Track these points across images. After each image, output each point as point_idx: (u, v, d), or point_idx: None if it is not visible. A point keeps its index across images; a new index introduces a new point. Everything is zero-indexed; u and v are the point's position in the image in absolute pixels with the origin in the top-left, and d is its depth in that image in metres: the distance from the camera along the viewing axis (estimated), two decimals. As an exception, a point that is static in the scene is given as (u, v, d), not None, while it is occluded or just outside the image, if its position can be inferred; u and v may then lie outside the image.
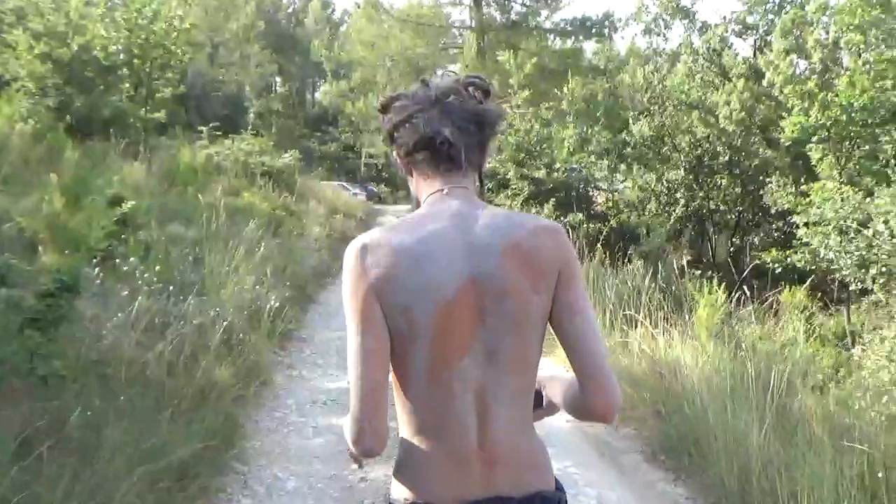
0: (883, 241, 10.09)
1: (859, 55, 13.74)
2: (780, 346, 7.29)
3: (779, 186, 16.86)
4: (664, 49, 24.01)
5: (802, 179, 16.56)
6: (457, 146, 1.75)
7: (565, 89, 20.53)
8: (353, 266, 1.69)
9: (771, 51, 19.01)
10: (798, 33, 16.73)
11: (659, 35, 22.17)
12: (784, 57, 16.01)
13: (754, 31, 19.58)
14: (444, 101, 1.76)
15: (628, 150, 19.36)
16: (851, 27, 12.82)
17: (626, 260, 11.45)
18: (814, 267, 13.22)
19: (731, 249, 19.44)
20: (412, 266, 1.65)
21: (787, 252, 13.89)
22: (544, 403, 1.95)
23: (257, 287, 8.72)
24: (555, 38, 33.63)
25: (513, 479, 1.68)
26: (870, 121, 12.90)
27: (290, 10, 58.15)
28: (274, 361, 7.76)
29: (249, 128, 28.92)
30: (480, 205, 1.79)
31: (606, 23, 31.96)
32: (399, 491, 1.73)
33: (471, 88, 1.82)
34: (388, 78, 34.19)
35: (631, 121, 20.29)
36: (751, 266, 15.85)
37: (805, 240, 13.12)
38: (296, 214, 18.07)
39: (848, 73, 13.12)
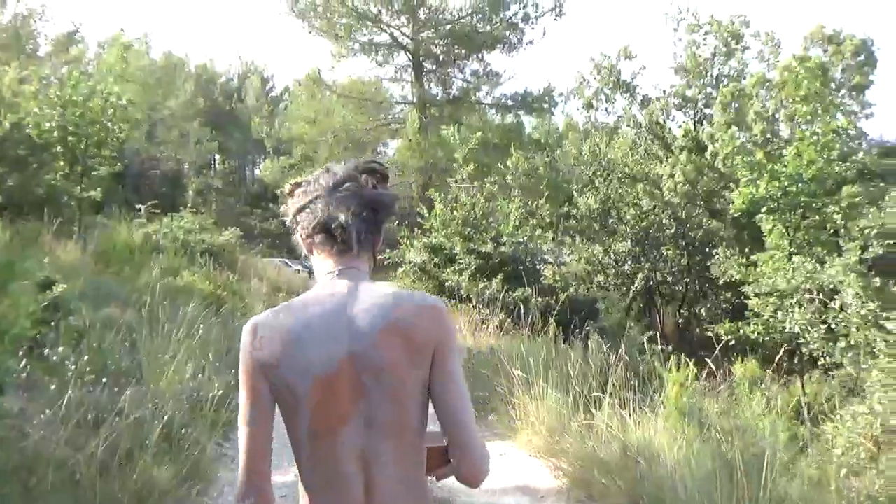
0: (852, 313, 9.97)
1: (798, 126, 13.85)
2: (747, 423, 7.00)
3: (726, 257, 16.83)
4: (604, 123, 24.27)
5: (748, 250, 16.58)
6: (349, 231, 1.91)
7: (508, 163, 20.49)
8: (245, 345, 1.91)
9: (711, 124, 19.30)
10: (736, 106, 16.91)
11: (598, 110, 22.31)
12: (725, 129, 16.14)
13: (693, 105, 19.81)
14: (340, 189, 1.94)
15: (573, 222, 19.30)
16: (798, 99, 12.92)
17: (582, 336, 11.13)
18: (766, 338, 13.07)
19: (679, 321, 19.34)
20: (294, 347, 1.85)
21: (740, 324, 13.74)
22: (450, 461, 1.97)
23: (199, 374, 8.20)
24: (496, 113, 33.80)
25: None
26: (818, 191, 12.91)
27: (229, 87, 57.96)
28: (218, 455, 7.23)
29: (189, 205, 28.36)
30: (368, 285, 1.95)
31: (547, 98, 32.34)
32: None
33: (366, 176, 1.99)
34: (330, 153, 34.01)
35: (575, 194, 20.25)
36: (697, 338, 15.72)
37: (757, 310, 12.96)
38: (238, 293, 17.47)
39: (796, 144, 13.17)
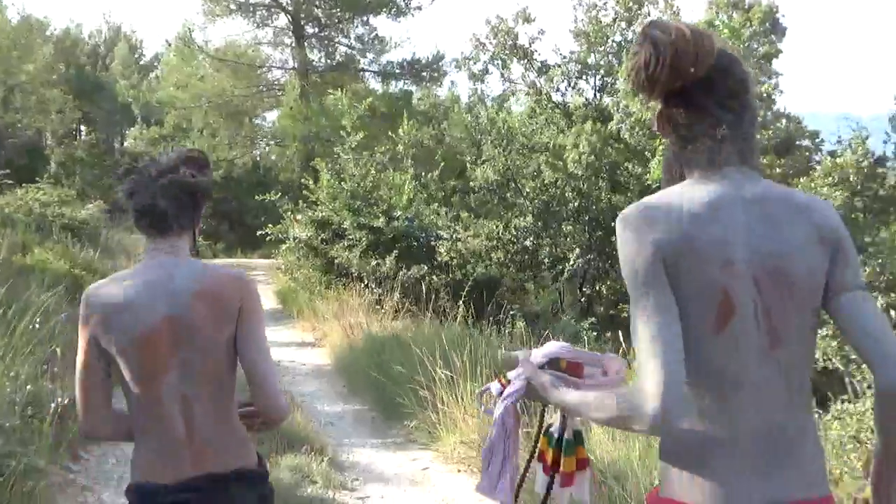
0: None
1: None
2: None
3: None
4: (490, 94, 23.20)
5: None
6: (168, 216, 2.32)
7: (400, 131, 19.15)
8: (81, 310, 2.30)
9: (612, 93, 18.39)
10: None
11: (490, 76, 21.11)
12: (632, 97, 15.18)
13: (595, 72, 18.83)
14: (161, 179, 2.32)
15: (470, 196, 18.17)
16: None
17: (501, 320, 9.86)
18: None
19: (582, 299, 18.42)
20: (120, 309, 2.25)
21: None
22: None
23: (39, 378, 6.62)
24: (382, 81, 32.22)
25: (219, 460, 2.29)
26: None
27: (94, 52, 54.38)
28: (62, 483, 5.68)
29: (47, 176, 25.98)
30: (184, 260, 2.36)
31: (436, 66, 30.97)
32: (133, 475, 2.33)
33: (186, 166, 2.38)
34: (205, 121, 31.82)
35: (469, 166, 19.10)
36: (599, 317, 14.82)
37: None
38: (100, 272, 15.64)
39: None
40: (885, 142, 14.98)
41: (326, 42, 31.97)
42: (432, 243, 17.22)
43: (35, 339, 6.91)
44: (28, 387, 6.14)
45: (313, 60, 31.70)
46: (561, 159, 16.76)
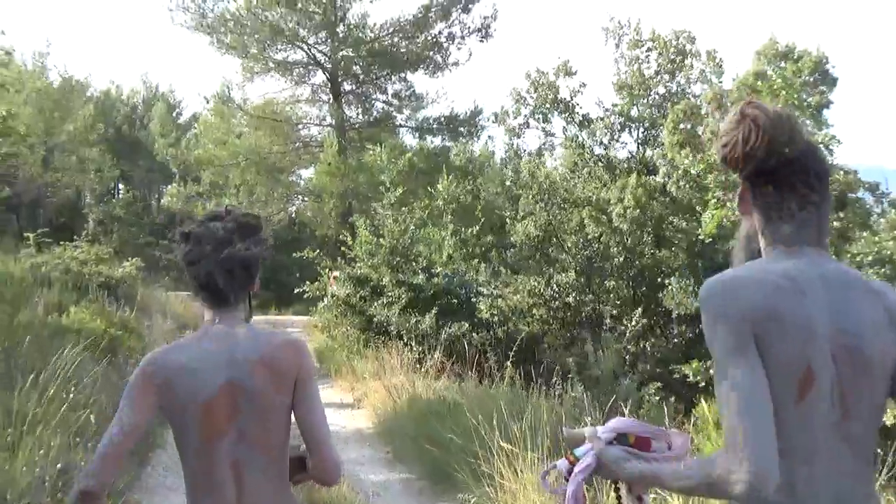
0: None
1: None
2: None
3: (680, 288, 15.41)
4: (525, 149, 22.93)
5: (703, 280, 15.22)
6: (225, 292, 2.42)
7: (439, 187, 18.91)
8: (139, 371, 2.37)
9: (654, 146, 18.04)
10: (689, 125, 15.59)
11: (529, 129, 20.80)
12: (677, 150, 14.81)
13: (640, 125, 18.47)
14: (218, 253, 2.40)
15: (510, 252, 17.81)
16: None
17: (554, 381, 9.36)
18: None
19: (626, 358, 17.84)
20: (185, 375, 2.32)
21: (706, 364, 12.26)
22: (308, 468, 2.45)
23: (74, 447, 6.27)
24: (419, 137, 32.09)
25: None
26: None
27: (133, 112, 55.03)
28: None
29: (85, 234, 25.98)
30: (242, 328, 2.45)
31: (474, 121, 30.80)
32: None
33: (241, 233, 2.45)
34: (242, 178, 31.79)
35: (508, 221, 18.77)
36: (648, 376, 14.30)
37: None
38: (136, 331, 15.38)
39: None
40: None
41: (363, 98, 32.01)
42: (472, 300, 16.83)
43: (66, 405, 6.57)
44: (58, 465, 5.78)
45: (350, 117, 31.73)
46: (605, 213, 16.35)
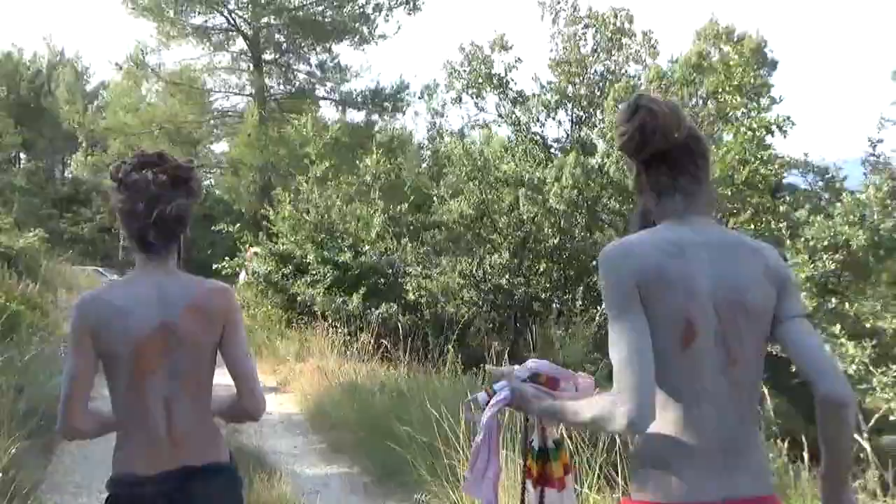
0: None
1: (723, 122, 12.11)
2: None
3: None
4: (447, 129, 22.34)
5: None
6: (157, 244, 2.52)
7: (368, 161, 18.12)
8: (75, 316, 2.47)
9: (592, 125, 17.63)
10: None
11: (452, 110, 20.14)
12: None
13: (576, 103, 17.91)
14: (151, 209, 2.45)
15: (441, 231, 17.20)
16: (729, 88, 11.09)
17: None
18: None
19: (555, 342, 17.39)
20: (117, 316, 2.44)
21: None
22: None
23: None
24: (341, 110, 31.09)
25: (194, 454, 2.50)
26: (752, 196, 11.12)
27: (36, 78, 52.38)
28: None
29: (-16, 204, 24.50)
30: (173, 274, 2.56)
31: (400, 95, 29.90)
32: (115, 468, 2.51)
33: (174, 187, 2.51)
34: (155, 148, 30.38)
35: (436, 200, 18.13)
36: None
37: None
38: (40, 307, 14.27)
39: (726, 142, 11.38)
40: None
41: (285, 69, 30.70)
42: (400, 281, 16.18)
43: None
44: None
45: (271, 87, 30.47)
46: (541, 193, 15.78)
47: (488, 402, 2.43)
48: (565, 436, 3.22)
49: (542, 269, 16.80)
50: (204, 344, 2.49)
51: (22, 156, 50.17)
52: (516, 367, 2.47)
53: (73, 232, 40.31)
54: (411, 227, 17.40)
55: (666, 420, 1.98)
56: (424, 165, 26.11)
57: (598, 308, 16.25)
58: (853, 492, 2.20)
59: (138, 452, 2.47)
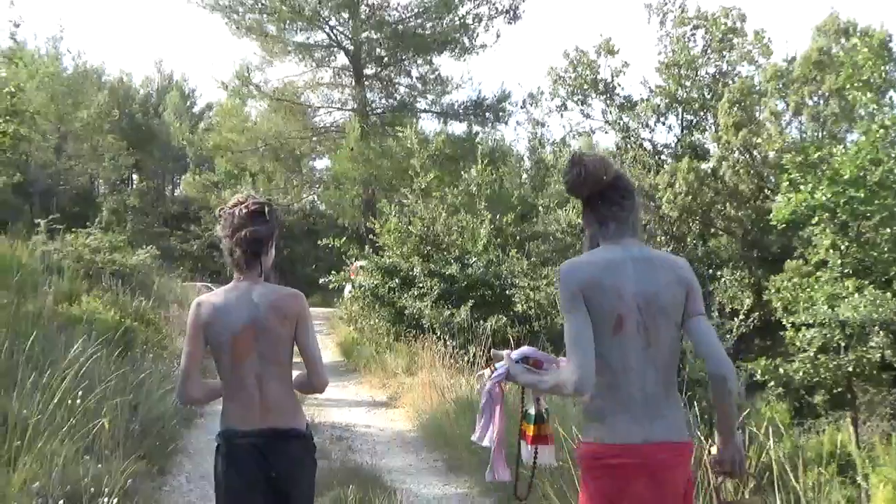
0: None
1: (847, 120, 11.41)
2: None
3: (734, 280, 14.32)
4: (549, 138, 21.91)
5: (760, 272, 14.16)
6: (244, 260, 3.31)
7: (473, 172, 17.86)
8: (192, 314, 3.30)
9: (702, 130, 17.01)
10: (745, 105, 14.50)
11: (553, 118, 19.71)
12: (734, 133, 13.75)
13: (689, 107, 17.29)
14: (238, 234, 3.28)
15: (548, 242, 16.81)
16: (857, 84, 10.39)
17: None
18: (814, 379, 10.60)
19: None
20: (220, 314, 3.25)
21: (778, 361, 11.21)
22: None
23: (84, 456, 5.28)
24: (445, 122, 30.90)
25: (279, 419, 3.25)
26: (888, 198, 10.37)
27: (147, 101, 53.93)
28: None
29: (98, 222, 25.13)
30: (258, 283, 3.33)
31: (503, 106, 29.53)
32: (222, 424, 3.30)
33: (252, 219, 3.31)
34: (261, 165, 30.72)
35: (542, 209, 17.75)
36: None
37: (799, 344, 10.46)
38: (153, 323, 14.37)
39: (857, 141, 10.70)
40: None
41: (386, 82, 30.64)
42: (508, 292, 15.81)
43: (79, 408, 5.56)
44: (66, 485, 4.77)
45: (372, 101, 30.46)
46: (652, 200, 15.25)
47: (492, 375, 3.23)
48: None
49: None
50: (282, 335, 3.28)
51: (134, 177, 51.56)
52: (514, 352, 3.17)
53: (183, 249, 41.17)
54: (517, 238, 17.06)
55: (602, 386, 2.72)
56: (525, 176, 25.71)
57: (712, 317, 15.62)
58: (740, 439, 2.91)
59: (238, 414, 3.28)
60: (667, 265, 2.83)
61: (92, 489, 4.78)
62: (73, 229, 19.19)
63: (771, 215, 11.79)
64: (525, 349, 3.19)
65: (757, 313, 12.54)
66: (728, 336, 9.13)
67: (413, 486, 7.15)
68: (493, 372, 3.18)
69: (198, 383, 3.32)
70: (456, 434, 8.15)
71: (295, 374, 3.40)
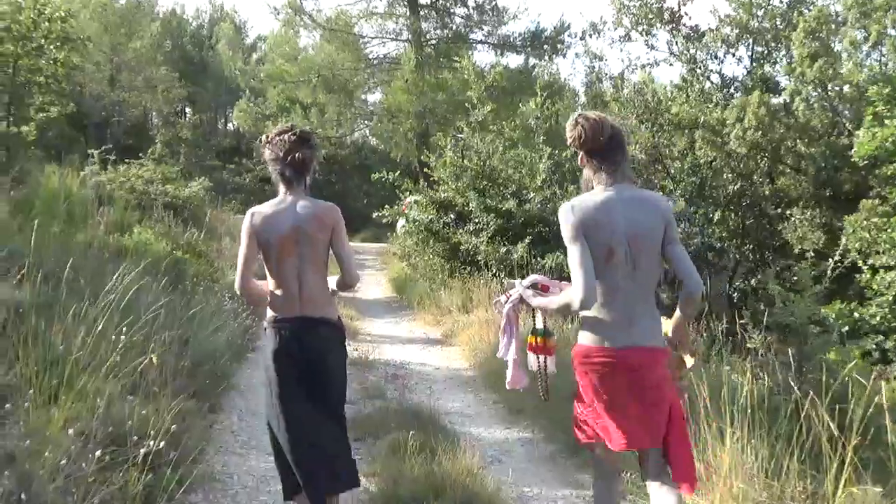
0: None
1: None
2: None
3: (804, 220, 13.67)
4: (606, 73, 21.12)
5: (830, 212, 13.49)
6: (291, 179, 3.98)
7: (531, 104, 17.23)
8: (246, 221, 3.94)
9: (773, 62, 16.18)
10: (822, 35, 13.67)
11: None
12: (810, 63, 12.98)
13: (760, 38, 16.42)
14: (286, 156, 3.95)
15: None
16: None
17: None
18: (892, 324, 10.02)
19: (733, 294, 16.17)
20: (270, 221, 3.90)
21: (853, 305, 10.62)
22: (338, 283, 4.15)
23: (130, 395, 5.01)
24: (501, 54, 30.04)
25: (315, 310, 3.96)
26: None
27: (199, 33, 53.62)
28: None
29: (152, 154, 24.97)
30: (302, 197, 3.98)
31: (561, 36, 28.62)
32: (269, 312, 4.01)
33: (299, 146, 3.99)
34: (313, 97, 30.19)
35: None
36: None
37: (878, 288, 9.87)
38: (205, 256, 14.16)
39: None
40: None
41: (442, 12, 29.62)
42: (566, 228, 15.30)
43: (127, 342, 5.26)
44: (110, 411, 4.49)
45: (427, 32, 29.58)
46: (720, 136, 14.54)
47: (507, 299, 3.95)
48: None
49: (717, 218, 15.62)
50: (320, 240, 3.94)
51: (187, 110, 51.54)
52: (524, 280, 3.94)
53: (235, 182, 41.14)
54: (576, 174, 16.47)
55: (598, 303, 3.42)
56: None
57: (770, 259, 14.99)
58: (687, 331, 3.69)
59: (281, 304, 3.95)
60: (650, 203, 3.55)
61: (134, 430, 4.48)
62: (127, 161, 19.08)
63: (852, 151, 11.17)
64: (534, 276, 3.95)
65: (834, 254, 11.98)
66: (824, 278, 8.48)
67: (474, 430, 6.82)
68: (507, 297, 3.95)
69: (251, 278, 3.96)
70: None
71: (331, 279, 4.09)
